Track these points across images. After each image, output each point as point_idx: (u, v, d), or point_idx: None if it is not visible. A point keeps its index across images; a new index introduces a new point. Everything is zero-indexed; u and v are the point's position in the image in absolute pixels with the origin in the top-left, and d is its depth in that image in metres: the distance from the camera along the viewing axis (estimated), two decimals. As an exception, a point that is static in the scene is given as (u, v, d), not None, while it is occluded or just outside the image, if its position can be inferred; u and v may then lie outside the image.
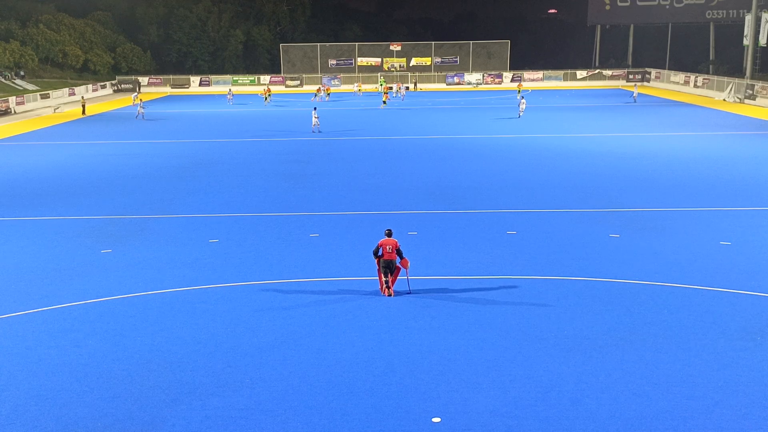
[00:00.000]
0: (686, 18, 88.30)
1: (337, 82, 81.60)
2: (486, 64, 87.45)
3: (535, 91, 71.08)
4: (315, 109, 46.07)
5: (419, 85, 78.85)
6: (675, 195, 25.81)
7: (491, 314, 14.83)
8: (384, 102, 60.03)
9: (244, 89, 79.23)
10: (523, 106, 50.39)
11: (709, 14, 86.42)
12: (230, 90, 68.44)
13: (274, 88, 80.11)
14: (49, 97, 66.35)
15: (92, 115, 56.65)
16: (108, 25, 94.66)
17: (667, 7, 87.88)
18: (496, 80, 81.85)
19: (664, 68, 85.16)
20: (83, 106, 57.33)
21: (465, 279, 17.09)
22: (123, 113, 58.68)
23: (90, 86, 75.90)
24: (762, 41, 67.09)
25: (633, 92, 63.04)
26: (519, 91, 64.84)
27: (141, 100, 57.99)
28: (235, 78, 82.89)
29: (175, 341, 13.70)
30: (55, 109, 60.24)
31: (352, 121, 49.82)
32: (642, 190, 26.72)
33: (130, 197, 26.75)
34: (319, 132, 43.46)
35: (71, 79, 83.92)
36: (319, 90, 67.95)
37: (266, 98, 63.10)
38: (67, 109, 60.57)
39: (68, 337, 13.97)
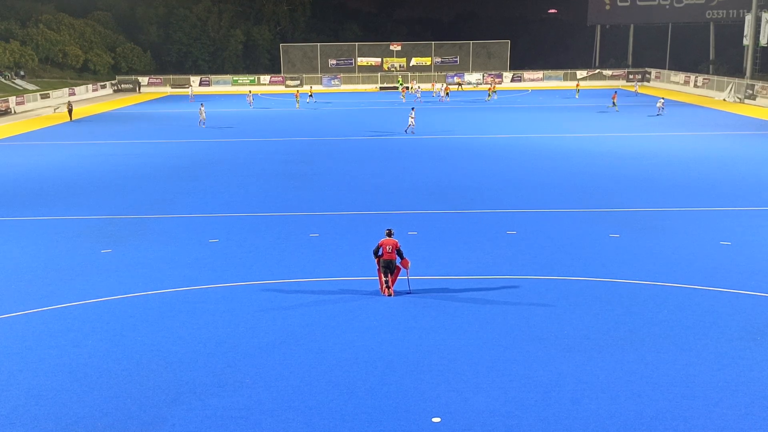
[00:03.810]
0: (686, 18, 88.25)
1: (337, 82, 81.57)
2: (486, 64, 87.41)
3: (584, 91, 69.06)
4: (413, 109, 45.49)
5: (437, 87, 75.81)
6: (675, 195, 25.81)
7: (491, 314, 14.83)
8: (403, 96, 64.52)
9: (266, 89, 78.74)
10: (660, 104, 51.18)
11: (709, 14, 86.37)
12: (250, 91, 66.29)
13: (274, 88, 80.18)
14: (49, 97, 66.34)
15: (94, 115, 56.63)
16: (108, 25, 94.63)
17: (667, 7, 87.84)
18: (497, 80, 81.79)
19: (664, 68, 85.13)
20: (69, 111, 53.44)
21: (465, 279, 17.09)
22: (123, 113, 58.69)
23: (90, 86, 75.89)
24: (762, 41, 67.09)
25: (634, 91, 68.55)
26: (577, 90, 67.33)
27: (198, 102, 57.31)
28: (235, 78, 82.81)
29: (175, 341, 13.70)
30: (55, 109, 60.19)
31: (354, 122, 49.84)
32: (642, 190, 26.72)
33: (130, 197, 26.75)
34: (412, 133, 42.58)
35: (71, 79, 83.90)
36: (405, 89, 68.08)
37: (310, 96, 63.27)
38: (67, 110, 60.48)
39: (68, 337, 13.97)
